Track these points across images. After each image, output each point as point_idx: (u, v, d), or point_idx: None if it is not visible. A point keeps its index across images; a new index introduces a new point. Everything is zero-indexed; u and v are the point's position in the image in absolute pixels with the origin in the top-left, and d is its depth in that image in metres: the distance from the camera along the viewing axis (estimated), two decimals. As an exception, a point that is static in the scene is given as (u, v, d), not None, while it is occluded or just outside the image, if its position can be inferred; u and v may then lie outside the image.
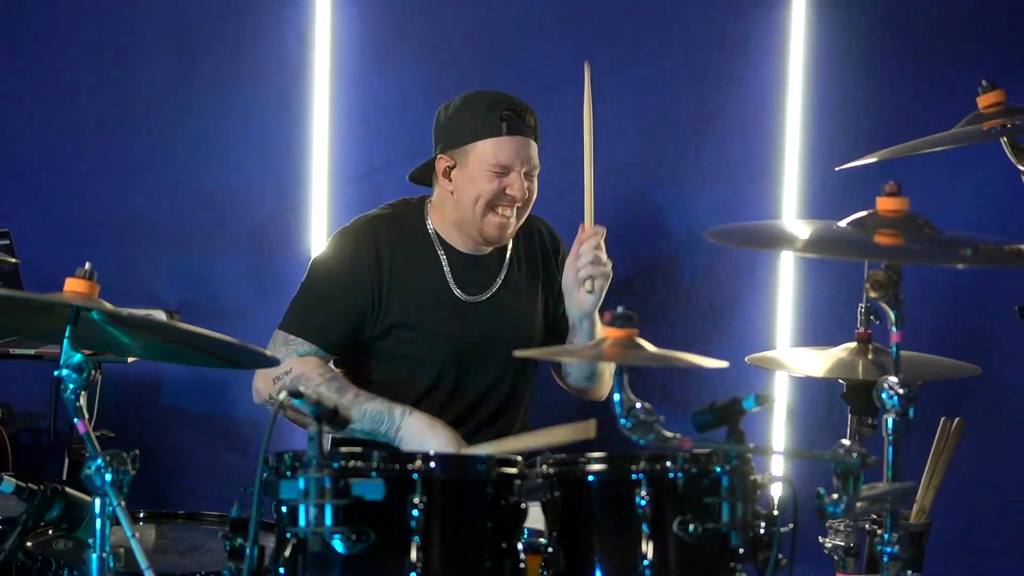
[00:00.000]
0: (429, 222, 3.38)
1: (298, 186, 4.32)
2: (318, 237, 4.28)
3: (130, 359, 3.82)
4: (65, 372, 2.33)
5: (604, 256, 3.27)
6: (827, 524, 2.91)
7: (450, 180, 3.32)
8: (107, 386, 4.11)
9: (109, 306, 2.37)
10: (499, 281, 3.38)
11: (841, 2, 4.32)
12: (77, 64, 4.35)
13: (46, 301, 2.37)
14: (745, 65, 4.32)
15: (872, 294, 2.45)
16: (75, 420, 2.33)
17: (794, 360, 3.35)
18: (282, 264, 4.32)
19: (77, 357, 2.34)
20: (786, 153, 4.32)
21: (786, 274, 4.34)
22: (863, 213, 2.47)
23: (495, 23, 4.34)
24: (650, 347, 2.33)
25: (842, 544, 2.92)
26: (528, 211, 3.36)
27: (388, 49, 4.31)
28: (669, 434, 2.28)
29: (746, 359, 3.21)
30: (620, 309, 2.32)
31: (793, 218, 4.22)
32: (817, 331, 4.24)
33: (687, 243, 4.30)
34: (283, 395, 2.19)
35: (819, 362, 3.17)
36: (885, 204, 2.50)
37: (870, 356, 3.07)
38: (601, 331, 3.20)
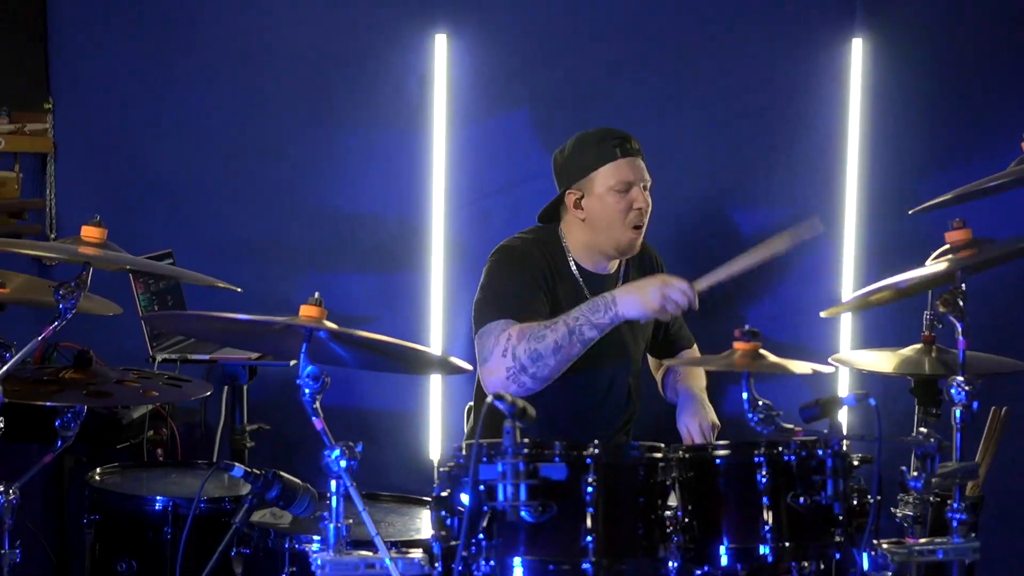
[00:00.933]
0: (565, 245, 3.70)
1: (419, 209, 4.59)
2: (436, 254, 4.59)
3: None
4: (303, 381, 2.64)
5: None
6: (898, 496, 3.13)
7: (582, 209, 3.63)
8: (253, 384, 4.28)
9: (334, 326, 2.70)
10: None
11: (896, 45, 4.58)
12: (226, 108, 4.61)
13: (287, 324, 2.72)
14: (809, 103, 4.61)
15: (942, 309, 2.85)
16: (313, 419, 2.67)
17: (868, 359, 3.63)
18: (405, 278, 4.62)
19: (310, 368, 2.65)
20: (847, 183, 4.60)
21: (847, 282, 4.61)
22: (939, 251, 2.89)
23: (589, 68, 4.63)
24: (772, 356, 2.73)
25: (911, 513, 3.15)
26: (646, 224, 3.66)
27: (497, 91, 4.59)
28: (787, 425, 2.69)
29: (829, 359, 3.51)
30: (747, 327, 2.74)
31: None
32: (870, 332, 4.51)
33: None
34: (489, 399, 2.55)
35: (889, 361, 3.49)
36: (954, 236, 2.91)
37: (934, 355, 3.41)
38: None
